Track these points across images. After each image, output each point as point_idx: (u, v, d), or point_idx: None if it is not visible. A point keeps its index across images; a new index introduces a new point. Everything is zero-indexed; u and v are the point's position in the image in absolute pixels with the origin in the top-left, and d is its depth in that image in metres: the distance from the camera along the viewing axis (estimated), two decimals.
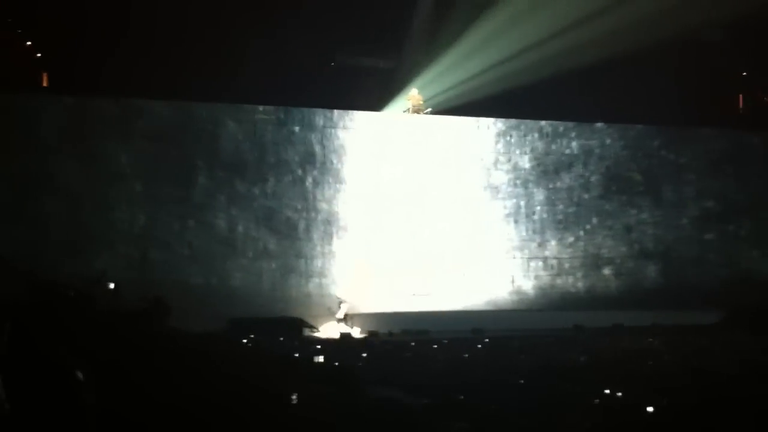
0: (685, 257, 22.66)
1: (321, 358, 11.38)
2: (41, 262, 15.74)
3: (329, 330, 17.42)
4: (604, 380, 8.99)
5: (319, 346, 13.96)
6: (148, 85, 18.73)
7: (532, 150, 22.22)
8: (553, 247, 22.12)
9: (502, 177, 21.89)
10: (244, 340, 13.94)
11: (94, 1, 19.79)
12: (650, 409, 7.23)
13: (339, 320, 18.07)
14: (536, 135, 22.30)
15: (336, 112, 20.81)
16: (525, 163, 22.11)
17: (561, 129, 22.56)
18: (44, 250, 17.12)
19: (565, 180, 22.37)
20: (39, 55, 20.15)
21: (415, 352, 13.31)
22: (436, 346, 13.80)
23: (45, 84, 20.03)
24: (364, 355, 12.39)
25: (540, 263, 21.95)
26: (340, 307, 18.30)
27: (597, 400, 7.97)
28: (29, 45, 20.14)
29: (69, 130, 18.23)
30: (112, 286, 14.56)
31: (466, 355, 12.56)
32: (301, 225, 20.25)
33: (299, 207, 20.25)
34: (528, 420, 6.63)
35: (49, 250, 17.26)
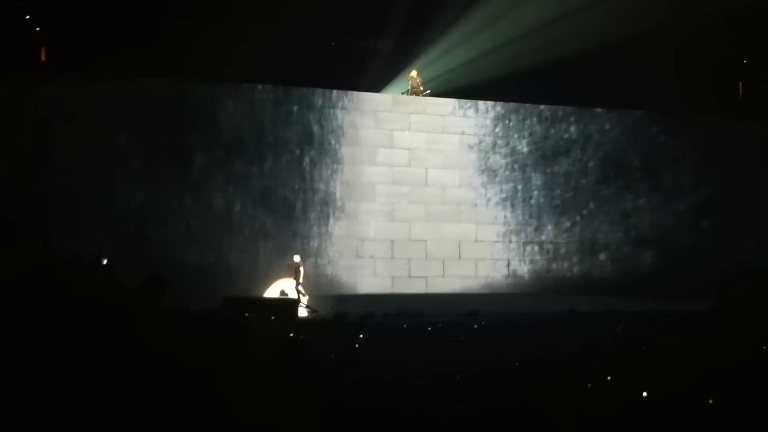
0: (682, 244, 22.67)
1: (315, 339, 11.38)
2: (40, 238, 15.78)
3: (324, 310, 17.38)
4: (597, 365, 9.01)
5: (313, 327, 13.95)
6: (147, 63, 18.66)
7: (531, 134, 22.20)
8: (549, 231, 22.15)
9: (500, 161, 21.88)
10: (239, 320, 13.92)
11: None
12: (645, 394, 7.24)
13: (297, 285, 17.80)
14: (535, 119, 22.29)
15: (335, 92, 20.78)
16: (523, 147, 22.10)
17: (560, 113, 22.55)
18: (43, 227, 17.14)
19: (563, 165, 22.37)
20: (38, 29, 20.01)
21: (411, 334, 13.33)
22: (430, 329, 13.82)
23: (43, 58, 19.91)
24: (361, 336, 12.40)
25: (536, 248, 21.98)
26: (297, 273, 18.04)
27: (590, 385, 7.98)
28: (27, 20, 20.01)
29: (67, 107, 18.18)
30: (105, 261, 14.51)
31: (462, 338, 12.59)
32: (298, 205, 20.25)
33: (296, 187, 20.24)
34: (524, 402, 6.65)
35: (48, 227, 17.28)
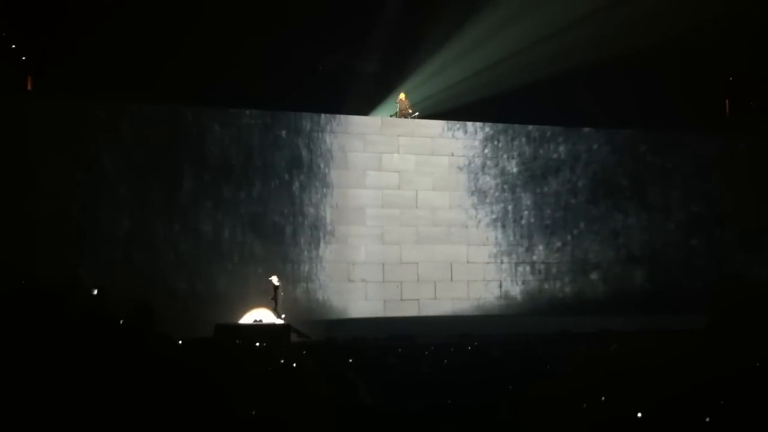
0: (672, 261, 22.68)
1: (309, 364, 11.26)
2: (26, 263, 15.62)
3: (317, 335, 17.26)
4: (591, 385, 8.93)
5: (305, 352, 13.83)
6: (134, 88, 18.62)
7: (520, 155, 22.20)
8: (540, 251, 22.10)
9: (489, 182, 21.86)
10: (230, 346, 13.78)
11: (81, 4, 19.65)
12: (639, 414, 7.16)
13: (273, 307, 17.66)
14: (524, 139, 22.30)
15: (323, 116, 20.75)
16: (512, 167, 22.09)
17: (548, 133, 22.56)
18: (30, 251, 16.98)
19: (553, 185, 22.37)
20: (24, 58, 19.98)
21: (403, 357, 13.23)
22: (427, 353, 13.73)
23: (30, 87, 19.86)
24: (351, 360, 12.29)
25: (528, 268, 21.92)
26: (275, 293, 17.88)
27: (585, 405, 7.90)
28: (14, 48, 19.98)
29: (54, 132, 18.09)
30: (95, 291, 14.37)
31: (454, 360, 12.50)
32: (288, 230, 20.15)
33: (286, 211, 20.16)
34: (516, 424, 6.57)
35: (34, 252, 17.11)
